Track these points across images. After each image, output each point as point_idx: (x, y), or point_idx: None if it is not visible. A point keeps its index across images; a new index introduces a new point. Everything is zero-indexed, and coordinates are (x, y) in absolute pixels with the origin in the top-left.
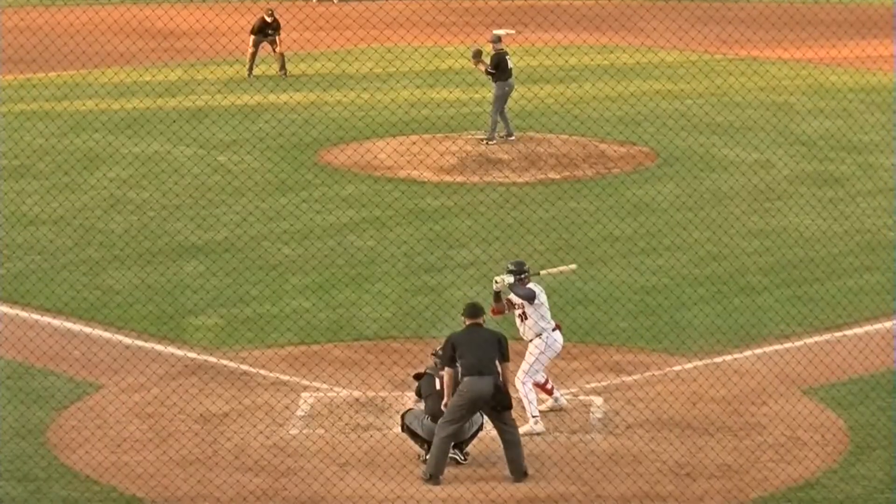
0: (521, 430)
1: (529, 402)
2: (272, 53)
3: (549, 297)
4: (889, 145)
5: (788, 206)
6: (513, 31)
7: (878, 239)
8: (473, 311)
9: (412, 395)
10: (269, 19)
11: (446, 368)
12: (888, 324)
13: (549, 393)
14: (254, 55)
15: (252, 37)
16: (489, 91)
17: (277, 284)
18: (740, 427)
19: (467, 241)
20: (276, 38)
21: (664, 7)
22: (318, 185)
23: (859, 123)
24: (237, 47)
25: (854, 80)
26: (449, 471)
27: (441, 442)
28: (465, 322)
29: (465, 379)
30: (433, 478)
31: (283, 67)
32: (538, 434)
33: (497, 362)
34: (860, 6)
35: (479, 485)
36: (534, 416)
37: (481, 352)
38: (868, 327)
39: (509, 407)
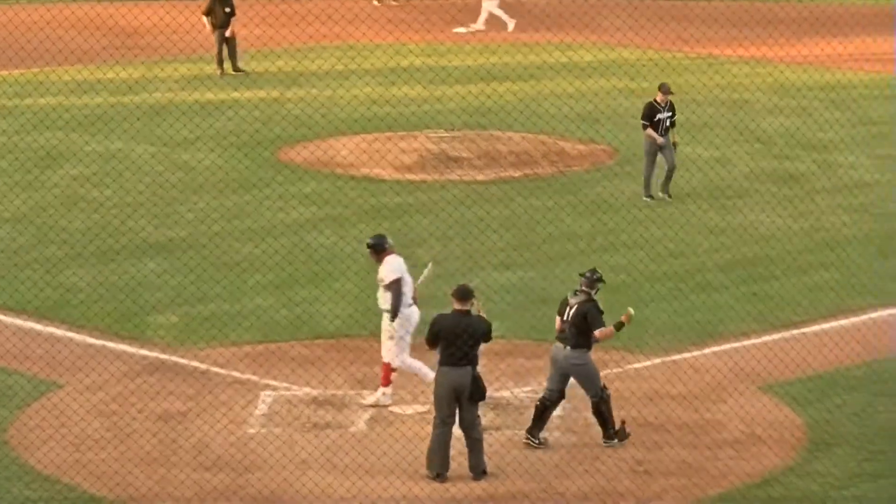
0: (368, 399)
1: (419, 368)
2: (226, 45)
3: (508, 295)
4: (847, 143)
5: (746, 203)
6: (483, 28)
7: (835, 236)
8: (463, 293)
9: (371, 392)
10: None
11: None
12: (845, 321)
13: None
14: (220, 51)
15: (213, 30)
16: (449, 87)
17: (238, 283)
18: (698, 424)
19: (427, 237)
20: (230, 19)
21: (625, 5)
22: (279, 182)
23: (817, 121)
24: (201, 45)
25: (812, 77)
26: (412, 466)
27: (438, 437)
28: (453, 304)
29: (443, 368)
30: (440, 476)
31: (235, 65)
32: (384, 406)
33: (477, 351)
34: (818, 5)
35: (436, 482)
36: (382, 392)
37: (462, 343)
38: (825, 325)
39: (483, 397)
